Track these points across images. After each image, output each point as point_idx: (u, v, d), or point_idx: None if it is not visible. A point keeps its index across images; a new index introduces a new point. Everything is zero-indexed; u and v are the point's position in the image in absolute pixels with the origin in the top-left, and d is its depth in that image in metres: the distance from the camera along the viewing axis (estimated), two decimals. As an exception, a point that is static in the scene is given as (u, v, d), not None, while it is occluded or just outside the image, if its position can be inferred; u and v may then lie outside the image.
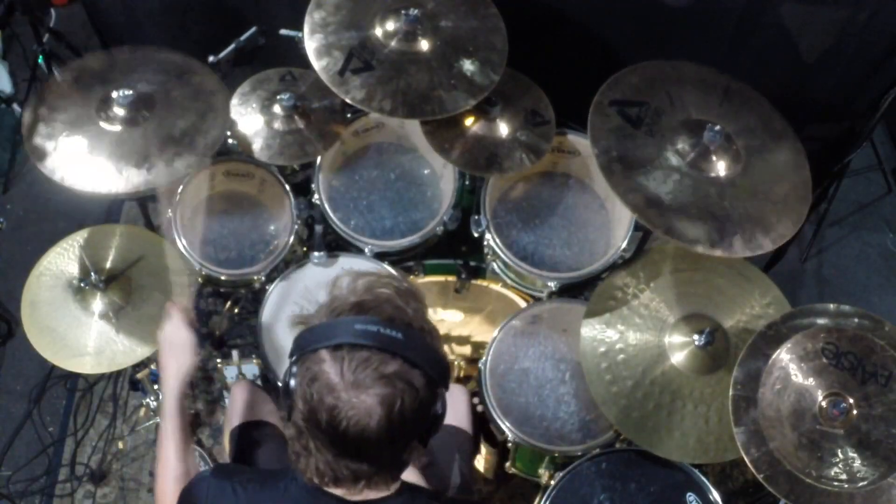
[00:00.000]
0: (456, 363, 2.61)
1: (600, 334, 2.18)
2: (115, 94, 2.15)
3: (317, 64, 2.23)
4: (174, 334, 1.77)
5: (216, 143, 2.21)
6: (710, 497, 2.08)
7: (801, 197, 2.14)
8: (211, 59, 2.36)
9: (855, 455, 1.86)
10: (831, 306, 2.02)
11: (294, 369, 1.21)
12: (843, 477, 1.85)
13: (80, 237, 2.25)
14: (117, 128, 2.16)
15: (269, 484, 1.33)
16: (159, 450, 1.63)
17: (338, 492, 1.26)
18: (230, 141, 2.37)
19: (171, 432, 1.62)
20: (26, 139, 2.12)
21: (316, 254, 2.35)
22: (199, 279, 2.41)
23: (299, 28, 2.29)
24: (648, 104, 2.15)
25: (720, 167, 2.10)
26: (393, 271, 2.36)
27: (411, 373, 1.16)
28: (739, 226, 2.03)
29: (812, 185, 2.17)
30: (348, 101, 2.21)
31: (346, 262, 2.39)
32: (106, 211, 3.06)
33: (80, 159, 2.11)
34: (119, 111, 2.16)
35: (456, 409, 2.08)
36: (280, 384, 1.26)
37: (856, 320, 1.99)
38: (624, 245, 2.34)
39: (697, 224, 2.02)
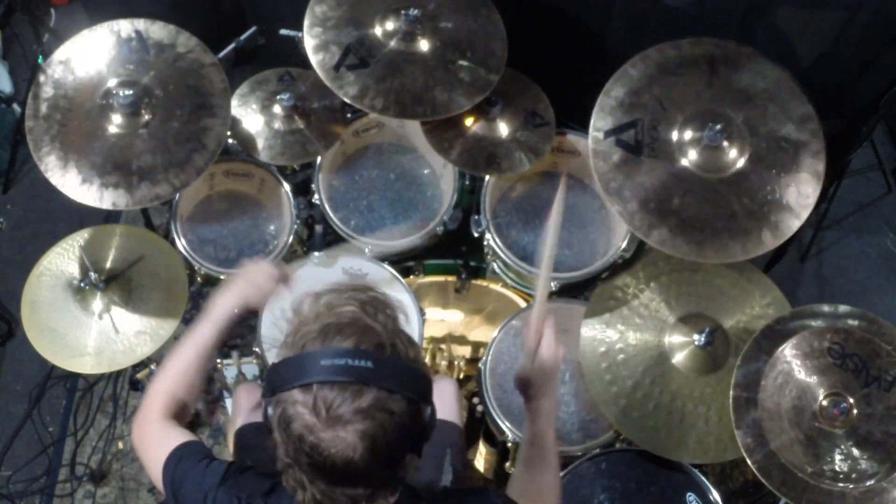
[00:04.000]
0: (456, 363, 2.61)
1: (600, 334, 2.18)
2: (115, 93, 2.14)
3: (313, 58, 2.23)
4: (268, 276, 1.63)
5: (226, 127, 2.20)
6: (710, 497, 2.08)
7: (815, 151, 2.14)
8: (211, 58, 2.37)
9: (852, 455, 1.86)
10: (840, 307, 2.03)
11: (270, 409, 1.18)
12: (839, 475, 1.85)
13: (80, 237, 2.25)
14: (126, 133, 2.14)
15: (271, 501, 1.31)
16: (178, 351, 1.53)
17: None
18: (230, 141, 2.37)
19: (200, 341, 1.52)
20: (39, 161, 2.10)
21: (316, 254, 2.35)
22: (199, 279, 2.41)
23: (299, 28, 2.29)
24: (641, 120, 2.12)
25: (732, 156, 2.09)
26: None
27: (389, 400, 1.11)
28: (766, 216, 2.05)
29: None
30: (341, 95, 2.21)
31: (346, 263, 2.39)
32: (106, 211, 3.05)
33: (101, 176, 2.11)
34: (122, 115, 2.15)
35: (444, 402, 2.05)
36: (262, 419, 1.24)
37: (863, 323, 1.99)
38: (624, 245, 2.34)
39: (724, 234, 2.03)
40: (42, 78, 2.16)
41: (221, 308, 1.57)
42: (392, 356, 1.15)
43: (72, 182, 2.09)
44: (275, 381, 1.16)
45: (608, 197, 2.06)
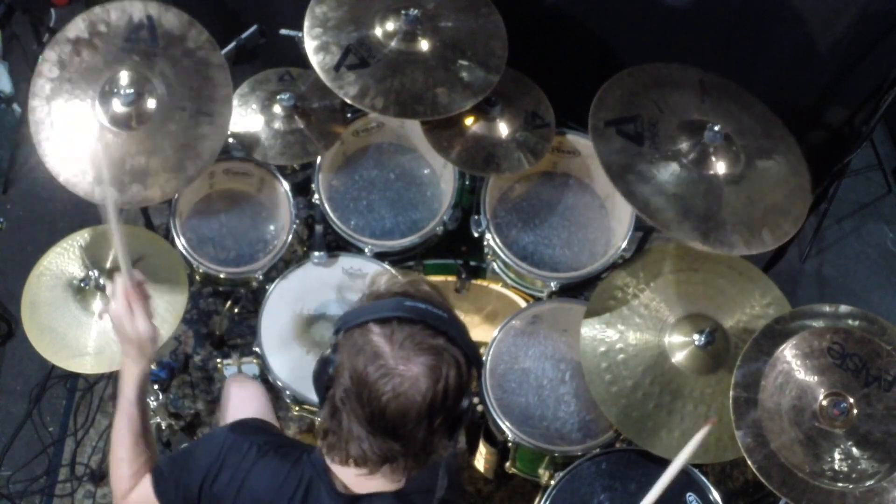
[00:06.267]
0: (456, 363, 2.61)
1: (600, 334, 2.18)
2: (116, 91, 2.13)
3: (313, 58, 2.24)
4: (131, 328, 1.55)
5: (223, 138, 2.19)
6: (710, 497, 2.08)
7: (799, 172, 2.17)
8: (210, 58, 2.37)
9: (851, 455, 1.86)
10: (840, 307, 2.03)
11: (338, 343, 1.24)
12: (839, 475, 1.85)
13: (80, 237, 2.25)
14: (124, 129, 2.14)
15: (283, 450, 1.37)
16: (114, 443, 1.55)
17: (350, 472, 1.28)
18: (230, 140, 2.37)
19: (127, 432, 1.52)
20: (36, 145, 2.09)
21: (316, 254, 2.35)
22: (198, 278, 2.41)
23: (299, 28, 2.30)
24: (641, 116, 2.15)
25: (722, 165, 2.11)
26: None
27: (454, 349, 1.21)
28: (764, 217, 2.07)
29: (812, 185, 2.18)
30: (341, 95, 2.21)
31: (346, 262, 2.39)
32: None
33: (79, 158, 2.10)
34: (123, 110, 2.14)
35: None
36: (319, 361, 1.30)
37: (863, 323, 1.99)
38: (624, 245, 2.34)
39: (727, 226, 2.04)
40: (49, 55, 2.14)
41: (130, 382, 1.56)
42: (460, 321, 1.26)
43: (68, 170, 2.09)
44: (351, 316, 1.24)
45: (612, 178, 2.06)
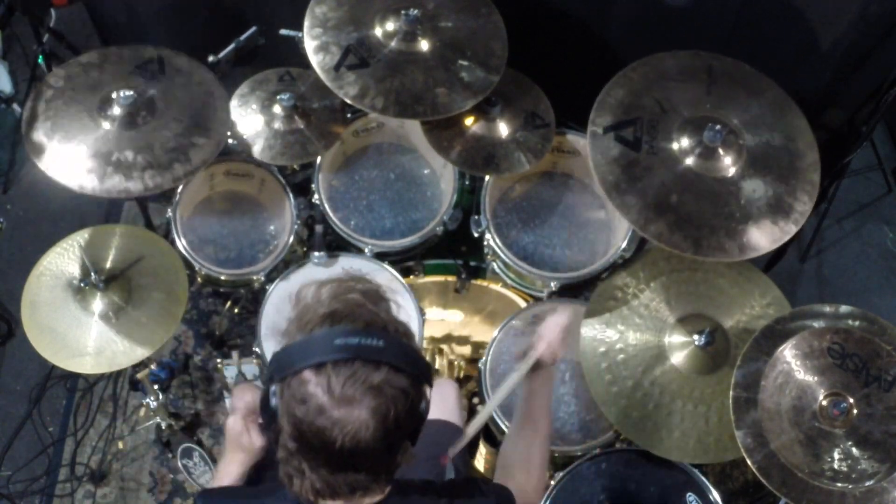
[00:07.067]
0: (456, 363, 2.61)
1: (600, 334, 2.18)
2: (115, 95, 2.15)
3: (313, 58, 2.24)
4: (248, 441, 1.57)
5: (215, 152, 2.21)
6: (710, 497, 2.08)
7: (811, 164, 2.15)
8: (211, 58, 2.36)
9: (852, 455, 1.86)
10: (840, 307, 2.03)
11: (276, 392, 1.18)
12: (839, 475, 1.85)
13: (80, 237, 2.25)
14: (116, 128, 2.16)
15: None
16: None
17: None
18: (230, 141, 2.37)
19: None
20: (25, 134, 2.13)
21: (316, 254, 2.35)
22: (199, 279, 2.41)
23: (299, 28, 2.30)
24: (641, 119, 2.13)
25: (723, 165, 2.10)
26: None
27: (398, 378, 1.15)
28: (761, 217, 2.05)
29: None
30: (341, 95, 2.21)
31: (346, 262, 2.39)
32: (106, 211, 3.05)
33: (77, 158, 2.12)
34: (118, 112, 2.16)
35: (446, 404, 2.07)
36: (262, 410, 1.24)
37: (863, 323, 1.99)
38: (624, 245, 2.34)
39: (721, 232, 2.03)
40: (58, 72, 2.22)
41: (231, 476, 1.55)
42: (398, 338, 1.19)
43: (49, 157, 2.12)
44: (282, 364, 1.17)
45: (605, 190, 2.06)
